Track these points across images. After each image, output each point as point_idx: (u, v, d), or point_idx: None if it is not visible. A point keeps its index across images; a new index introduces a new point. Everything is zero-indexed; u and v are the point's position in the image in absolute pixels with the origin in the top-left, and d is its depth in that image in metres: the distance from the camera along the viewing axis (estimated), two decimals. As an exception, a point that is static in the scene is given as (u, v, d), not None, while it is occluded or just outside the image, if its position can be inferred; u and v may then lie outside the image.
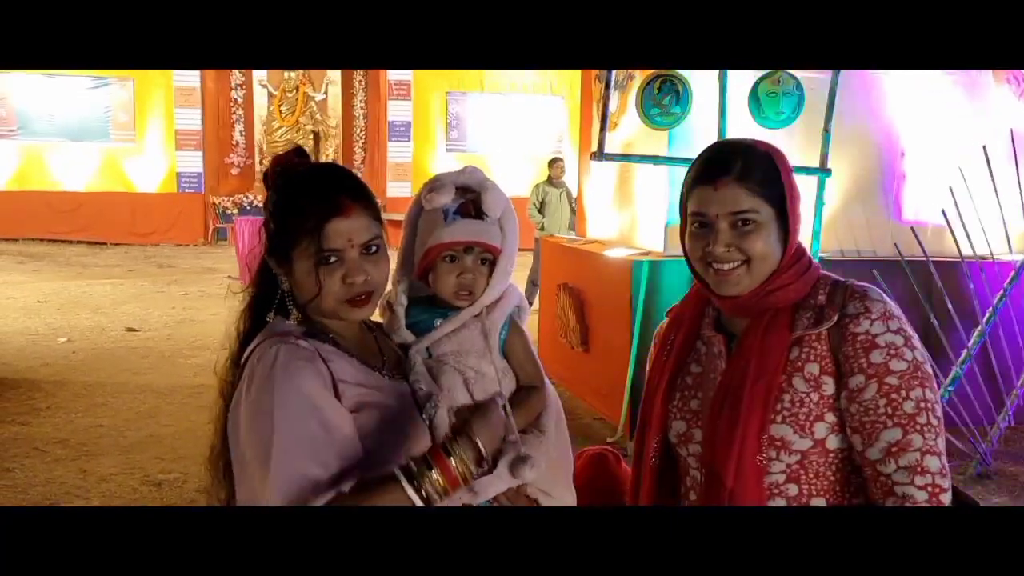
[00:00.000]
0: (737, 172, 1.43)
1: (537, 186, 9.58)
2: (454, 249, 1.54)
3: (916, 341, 1.42)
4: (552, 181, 9.49)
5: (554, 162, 9.71)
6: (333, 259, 1.39)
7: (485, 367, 1.53)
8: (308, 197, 1.40)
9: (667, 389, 1.57)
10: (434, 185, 1.55)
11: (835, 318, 1.42)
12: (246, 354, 1.41)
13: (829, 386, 1.41)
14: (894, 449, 1.36)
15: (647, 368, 1.67)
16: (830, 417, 1.41)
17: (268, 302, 1.46)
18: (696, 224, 1.47)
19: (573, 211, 9.25)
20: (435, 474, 1.30)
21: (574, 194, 9.62)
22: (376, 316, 1.57)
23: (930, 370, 1.42)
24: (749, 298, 1.46)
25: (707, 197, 1.44)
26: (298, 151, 1.50)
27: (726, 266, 1.44)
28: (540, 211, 9.35)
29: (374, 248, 1.43)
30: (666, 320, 1.67)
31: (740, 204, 1.42)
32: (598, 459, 1.93)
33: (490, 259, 1.56)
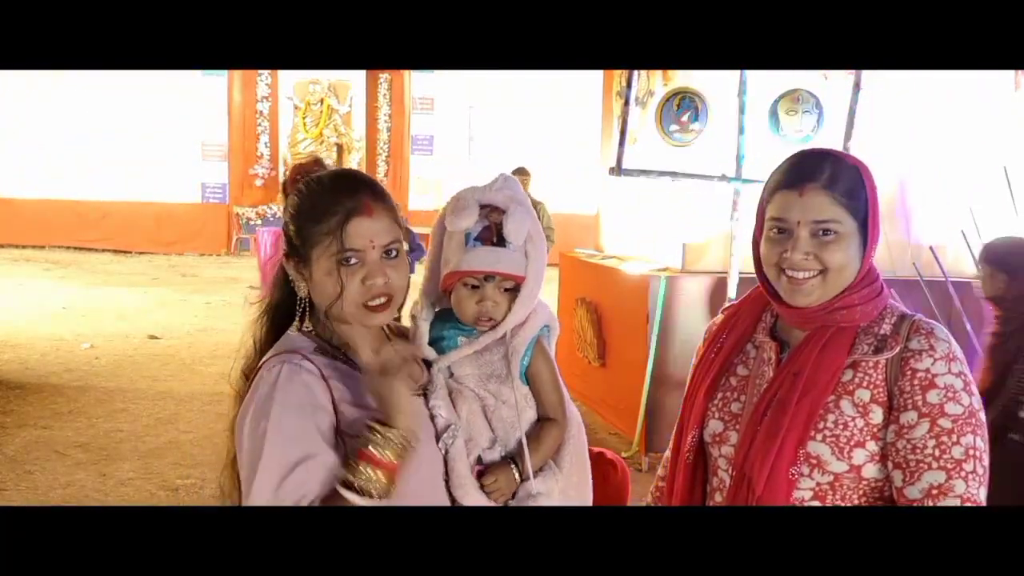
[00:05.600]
0: (824, 180, 1.40)
1: None
2: (474, 277, 1.47)
3: (974, 387, 1.39)
4: None
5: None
6: (354, 260, 1.37)
7: (506, 393, 1.49)
8: (331, 195, 1.39)
9: (710, 387, 1.55)
10: (456, 206, 1.48)
11: (896, 349, 1.40)
12: (257, 366, 1.41)
13: (877, 415, 1.40)
14: (935, 492, 1.34)
15: (692, 363, 1.64)
16: (872, 446, 1.40)
17: (284, 310, 1.45)
18: (775, 230, 1.45)
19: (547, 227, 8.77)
20: (367, 470, 1.27)
21: (554, 208, 9.10)
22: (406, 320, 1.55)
23: (984, 418, 1.39)
24: (815, 311, 1.44)
25: (790, 203, 1.42)
26: (317, 161, 1.50)
27: (801, 274, 1.42)
28: None
29: (394, 252, 1.41)
30: (720, 317, 1.64)
31: (824, 213, 1.40)
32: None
33: (512, 286, 1.48)
